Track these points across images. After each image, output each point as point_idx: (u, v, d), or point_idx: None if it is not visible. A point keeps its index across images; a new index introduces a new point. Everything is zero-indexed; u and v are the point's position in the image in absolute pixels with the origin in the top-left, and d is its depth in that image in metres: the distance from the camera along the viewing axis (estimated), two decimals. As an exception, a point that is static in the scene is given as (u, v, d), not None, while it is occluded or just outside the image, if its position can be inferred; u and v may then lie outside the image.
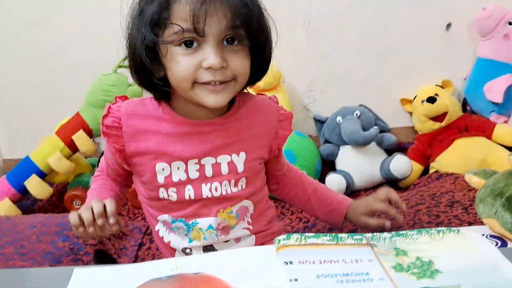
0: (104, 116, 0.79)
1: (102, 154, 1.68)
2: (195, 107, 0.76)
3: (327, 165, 1.74)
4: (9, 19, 1.86)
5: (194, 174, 0.78)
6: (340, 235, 0.64)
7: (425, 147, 1.69)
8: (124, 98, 0.83)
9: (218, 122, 0.79)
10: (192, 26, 0.67)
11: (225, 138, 0.79)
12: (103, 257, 1.31)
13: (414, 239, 0.64)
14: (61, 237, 1.27)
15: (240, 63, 0.71)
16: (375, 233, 0.65)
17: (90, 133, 1.64)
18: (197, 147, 0.77)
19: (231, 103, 0.80)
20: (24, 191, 1.61)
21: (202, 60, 0.69)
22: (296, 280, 0.55)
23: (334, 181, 1.59)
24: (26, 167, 1.61)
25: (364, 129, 1.64)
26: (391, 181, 1.67)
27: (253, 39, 0.72)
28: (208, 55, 0.68)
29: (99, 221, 0.71)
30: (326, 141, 1.76)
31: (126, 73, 1.72)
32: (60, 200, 1.77)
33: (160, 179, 0.78)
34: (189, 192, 0.79)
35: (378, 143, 1.70)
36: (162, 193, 0.79)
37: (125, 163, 0.80)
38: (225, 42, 0.70)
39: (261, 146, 0.83)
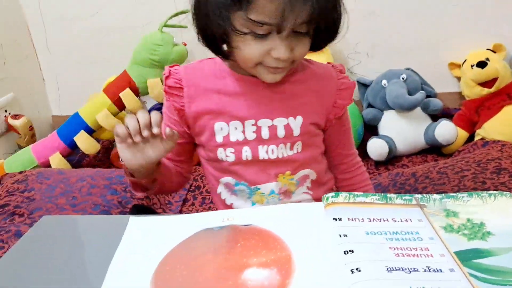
0: (166, 77, 0.80)
1: (150, 111, 1.72)
2: None
3: (370, 129, 1.73)
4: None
5: (251, 135, 0.79)
6: (389, 195, 0.64)
7: (472, 113, 1.64)
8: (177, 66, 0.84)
9: (275, 84, 0.78)
10: (276, 22, 0.66)
11: (282, 101, 0.79)
12: (141, 212, 1.36)
13: (465, 201, 0.63)
14: (110, 190, 1.33)
15: (303, 51, 0.72)
16: (425, 195, 0.65)
17: (136, 91, 1.68)
18: (254, 107, 0.78)
19: None
20: (73, 146, 1.68)
21: (271, 49, 0.69)
22: (345, 236, 0.56)
23: (376, 145, 1.58)
24: (75, 123, 1.67)
25: (410, 94, 1.61)
26: (434, 148, 1.64)
27: (323, 32, 0.72)
28: (279, 47, 0.69)
29: (145, 132, 0.67)
30: (369, 105, 1.73)
31: (172, 32, 1.73)
32: (106, 156, 1.84)
33: (219, 138, 0.80)
34: (246, 153, 0.80)
35: (424, 108, 1.66)
36: (220, 153, 0.81)
37: (184, 124, 0.82)
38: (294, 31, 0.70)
39: (318, 112, 0.82)
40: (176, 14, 1.71)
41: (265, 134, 0.79)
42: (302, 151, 0.82)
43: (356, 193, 0.64)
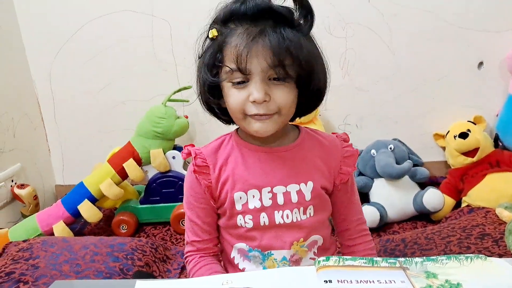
0: (194, 158, 0.88)
1: (151, 180, 1.81)
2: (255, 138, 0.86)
3: (361, 196, 1.79)
4: (67, 56, 2.04)
5: (267, 201, 0.86)
6: (375, 258, 0.71)
7: (457, 181, 1.73)
8: (191, 146, 0.93)
9: (286, 152, 0.87)
10: (237, 67, 0.76)
11: (293, 168, 0.87)
12: (142, 277, 1.39)
13: (443, 264, 0.69)
14: (112, 257, 1.37)
15: (283, 97, 0.79)
16: (408, 258, 0.71)
17: (139, 161, 1.77)
18: (269, 175, 0.86)
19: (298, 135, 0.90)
20: (76, 215, 1.74)
21: (249, 95, 0.78)
22: (335, 296, 0.62)
23: (368, 213, 1.64)
24: (79, 192, 1.74)
25: (398, 163, 1.70)
26: (424, 214, 1.71)
27: (298, 74, 0.79)
28: (253, 90, 0.77)
29: None
30: (360, 174, 1.82)
31: (175, 106, 1.85)
32: (108, 224, 1.90)
33: (238, 207, 0.86)
34: (263, 219, 0.86)
35: (411, 177, 1.75)
36: (240, 220, 0.87)
37: (211, 199, 0.88)
38: (271, 78, 0.79)
39: (326, 177, 0.89)
40: (179, 90, 1.84)
41: (280, 200, 0.85)
42: (314, 215, 0.89)
43: (345, 257, 0.71)
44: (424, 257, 0.71)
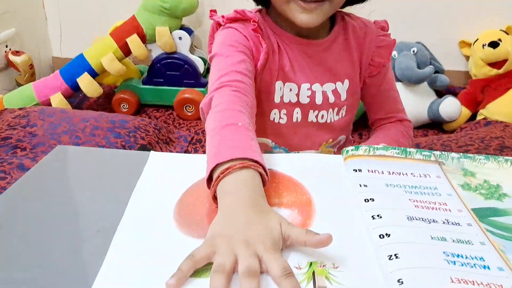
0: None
1: (155, 60, 1.69)
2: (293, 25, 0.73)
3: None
4: None
5: (304, 99, 0.78)
6: (408, 149, 0.65)
7: (477, 92, 1.65)
8: (214, 11, 0.80)
9: (321, 44, 0.77)
10: None
11: (329, 65, 0.78)
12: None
13: (482, 163, 0.64)
14: (113, 133, 1.32)
15: None
16: (443, 152, 0.65)
17: (143, 38, 1.65)
18: (306, 71, 0.77)
19: (332, 26, 0.78)
20: (75, 88, 1.66)
21: None
22: (365, 186, 0.57)
23: (379, 115, 1.59)
24: (79, 64, 1.64)
25: (419, 67, 1.61)
26: (436, 124, 1.65)
27: None
28: None
29: None
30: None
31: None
32: (107, 102, 1.82)
33: (277, 98, 0.78)
34: (297, 115, 0.79)
35: (430, 83, 1.66)
36: (274, 114, 0.79)
37: (255, 68, 0.74)
38: None
39: (359, 72, 0.81)
40: (191, -38, 1.67)
41: (318, 99, 0.78)
42: (346, 115, 0.82)
43: (376, 146, 0.65)
44: (461, 154, 0.65)
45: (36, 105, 1.60)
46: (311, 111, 0.79)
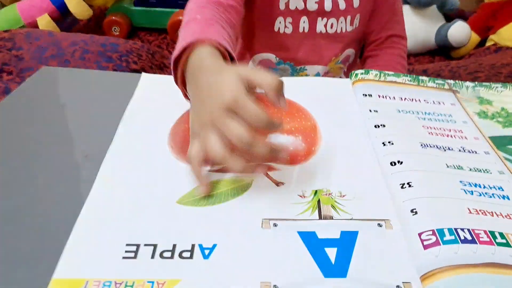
0: None
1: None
2: None
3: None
4: None
5: (312, 5, 0.72)
6: (421, 77, 0.60)
7: (489, 17, 1.56)
8: None
9: None
10: None
11: None
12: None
13: (498, 91, 0.60)
14: (105, 58, 1.25)
15: None
16: (457, 81, 0.61)
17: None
18: None
19: None
20: (63, 9, 1.55)
21: None
22: (376, 111, 0.53)
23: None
24: (66, -17, 1.53)
25: (429, -12, 1.51)
26: (443, 50, 1.58)
27: None
28: None
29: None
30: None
31: None
32: (98, 25, 1.73)
33: (282, 5, 0.71)
34: (303, 24, 0.73)
35: (439, 7, 1.57)
36: (279, 23, 0.73)
37: None
38: None
39: None
40: None
41: (328, 5, 0.72)
42: (359, 25, 0.76)
43: (387, 72, 0.60)
44: (476, 82, 0.61)
45: (22, 27, 1.51)
46: (319, 19, 0.73)
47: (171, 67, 0.48)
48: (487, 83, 0.61)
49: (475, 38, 1.56)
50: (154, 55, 1.38)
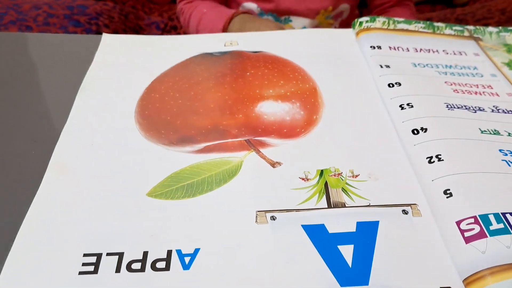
0: None
1: None
2: None
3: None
4: None
5: None
6: (436, 24, 0.51)
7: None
8: None
9: None
10: None
11: None
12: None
13: (528, 35, 0.51)
14: (71, 21, 1.13)
15: None
16: (478, 26, 0.52)
17: None
18: None
19: None
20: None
21: None
22: (388, 66, 0.43)
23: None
24: None
25: None
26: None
27: None
28: None
29: None
30: None
31: None
32: (65, -14, 1.58)
33: None
34: None
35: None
36: None
37: None
38: None
39: None
40: None
41: None
42: None
43: (396, 18, 0.50)
44: (500, 27, 0.52)
45: (-20, -9, 1.37)
46: None
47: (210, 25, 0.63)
48: (513, 27, 0.52)
49: (476, -18, 1.45)
50: (128, 16, 1.25)
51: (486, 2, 1.27)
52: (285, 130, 0.37)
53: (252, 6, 0.70)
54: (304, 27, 0.70)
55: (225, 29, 0.61)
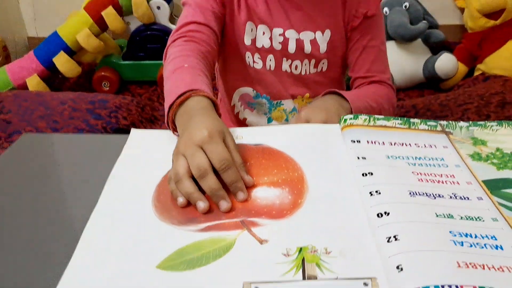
0: None
1: (134, 33, 1.61)
2: None
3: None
4: None
5: (277, 45, 0.74)
6: (412, 120, 0.59)
7: (474, 46, 1.58)
8: None
9: None
10: None
11: (310, 11, 0.72)
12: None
13: (494, 130, 0.58)
14: (93, 115, 1.25)
15: None
16: (450, 121, 0.60)
17: (119, 10, 1.55)
18: (282, 15, 0.72)
19: None
20: (52, 68, 1.57)
21: None
22: (364, 158, 0.51)
23: (372, 77, 1.52)
24: (54, 42, 1.55)
25: (412, 23, 1.53)
26: (432, 82, 1.58)
27: None
28: None
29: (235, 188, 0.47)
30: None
31: None
32: (88, 81, 1.74)
33: (247, 41, 0.74)
34: (270, 62, 0.75)
35: (425, 40, 1.58)
36: (248, 58, 0.75)
37: (222, 7, 0.72)
38: None
39: (344, 25, 0.74)
40: None
41: (291, 47, 0.73)
42: (327, 70, 0.76)
43: (376, 116, 0.59)
44: (470, 122, 0.59)
45: (12, 89, 1.52)
46: (284, 59, 0.75)
47: (165, 106, 0.57)
48: (482, 122, 0.59)
49: (463, 68, 1.57)
50: (144, 108, 1.38)
51: (467, 88, 1.37)
52: (274, 212, 0.44)
53: (249, 90, 0.79)
54: (294, 108, 0.79)
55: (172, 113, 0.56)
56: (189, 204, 0.46)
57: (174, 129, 0.56)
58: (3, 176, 0.54)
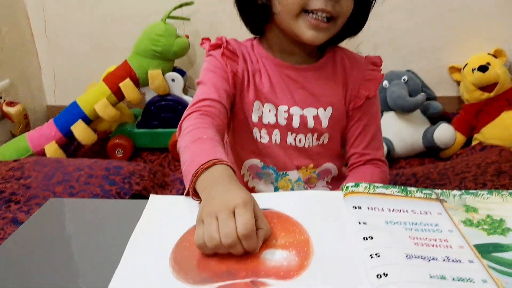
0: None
1: (149, 104, 1.70)
2: (289, 45, 0.77)
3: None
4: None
5: (282, 121, 0.80)
6: (409, 188, 0.64)
7: (471, 117, 1.66)
8: (208, 40, 0.84)
9: (308, 69, 0.79)
10: None
11: (313, 90, 0.79)
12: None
13: (485, 198, 0.63)
14: (108, 181, 1.31)
15: (348, 4, 0.71)
16: (444, 190, 0.65)
17: (136, 82, 1.66)
18: (287, 94, 0.79)
19: (322, 53, 0.81)
20: (70, 136, 1.65)
21: None
22: (365, 223, 0.55)
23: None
24: (73, 112, 1.65)
25: (411, 95, 1.62)
26: (432, 151, 1.65)
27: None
28: None
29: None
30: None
31: (175, 24, 1.72)
32: (103, 148, 1.82)
33: (255, 117, 0.80)
34: (275, 136, 0.81)
35: (423, 111, 1.67)
36: (256, 133, 0.82)
37: (233, 86, 0.79)
38: None
39: (345, 103, 0.81)
40: (181, 6, 1.70)
41: (295, 123, 0.80)
42: (328, 142, 0.83)
43: (376, 184, 0.64)
44: (463, 191, 0.64)
45: (31, 155, 1.60)
46: (289, 133, 0.81)
47: (185, 173, 0.61)
48: (474, 191, 0.64)
49: (461, 138, 1.64)
50: (156, 174, 1.44)
51: (465, 157, 1.43)
52: (282, 273, 0.48)
53: (256, 161, 0.84)
54: (299, 178, 0.84)
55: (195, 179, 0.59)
56: (203, 263, 0.50)
57: (194, 194, 0.59)
58: (30, 240, 0.58)
